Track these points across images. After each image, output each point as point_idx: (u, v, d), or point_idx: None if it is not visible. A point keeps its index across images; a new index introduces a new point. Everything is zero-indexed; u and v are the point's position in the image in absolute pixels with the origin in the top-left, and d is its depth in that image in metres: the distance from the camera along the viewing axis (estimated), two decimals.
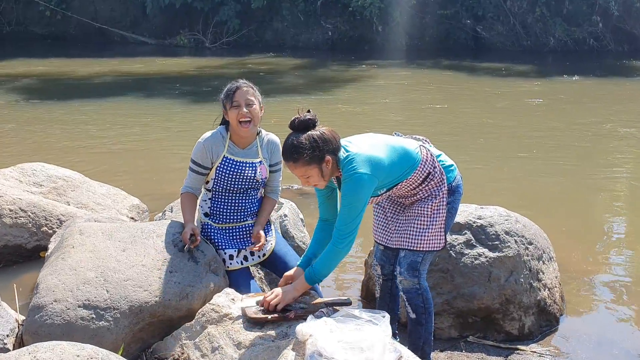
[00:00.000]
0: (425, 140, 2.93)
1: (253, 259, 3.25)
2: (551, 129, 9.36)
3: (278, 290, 2.68)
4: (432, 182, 2.81)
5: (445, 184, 2.83)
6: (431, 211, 2.83)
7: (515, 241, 3.48)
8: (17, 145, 8.08)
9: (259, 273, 3.46)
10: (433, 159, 2.83)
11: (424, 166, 2.80)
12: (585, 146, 8.35)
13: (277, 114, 10.55)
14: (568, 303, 3.85)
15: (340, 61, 17.78)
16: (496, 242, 3.45)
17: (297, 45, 21.22)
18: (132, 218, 5.14)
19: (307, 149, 2.58)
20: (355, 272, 4.30)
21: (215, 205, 3.25)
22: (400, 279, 2.90)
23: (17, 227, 4.31)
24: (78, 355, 1.95)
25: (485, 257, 3.41)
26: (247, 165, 3.18)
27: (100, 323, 2.70)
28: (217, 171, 3.16)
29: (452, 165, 2.92)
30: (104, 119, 9.95)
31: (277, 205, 3.82)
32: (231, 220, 3.25)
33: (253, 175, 3.19)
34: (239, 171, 3.16)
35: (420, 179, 2.80)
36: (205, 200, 3.29)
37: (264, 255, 3.27)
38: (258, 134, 3.26)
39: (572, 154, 7.93)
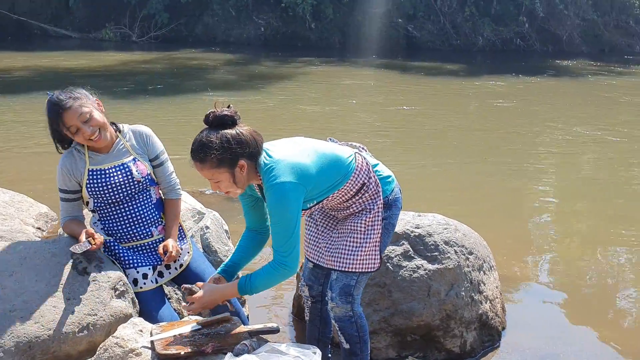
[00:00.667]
0: (362, 148, 2.63)
1: (170, 273, 2.87)
2: (484, 131, 9.35)
3: (204, 287, 2.40)
4: (367, 194, 2.51)
5: (381, 197, 2.51)
6: (365, 227, 2.51)
7: (455, 251, 3.25)
8: None
9: (176, 294, 3.08)
10: (369, 169, 2.53)
11: (358, 176, 2.49)
12: (519, 149, 8.34)
13: (202, 110, 10.16)
14: (509, 314, 3.67)
15: (273, 58, 17.43)
16: (435, 253, 3.21)
17: (229, 41, 20.72)
18: (39, 228, 4.63)
19: (217, 149, 2.25)
20: (285, 287, 3.97)
21: (108, 225, 2.81)
22: (332, 306, 2.56)
23: None
24: None
25: (425, 269, 3.16)
26: (118, 169, 2.75)
27: None
28: (88, 188, 2.73)
29: (389, 176, 2.61)
30: (16, 117, 9.23)
31: (197, 215, 3.46)
32: (135, 237, 2.82)
33: (129, 177, 2.76)
34: (112, 178, 2.73)
35: (354, 190, 2.49)
36: (95, 223, 2.86)
37: (181, 265, 2.89)
38: (118, 131, 2.83)
39: (507, 157, 7.90)
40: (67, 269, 2.60)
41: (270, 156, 2.35)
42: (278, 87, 12.77)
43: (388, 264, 3.17)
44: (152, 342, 2.33)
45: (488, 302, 3.38)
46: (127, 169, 2.78)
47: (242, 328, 2.45)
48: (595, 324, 3.78)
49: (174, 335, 2.36)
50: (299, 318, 3.55)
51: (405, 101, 11.48)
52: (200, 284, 2.47)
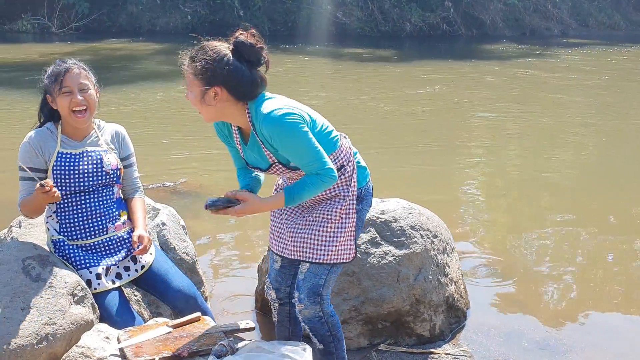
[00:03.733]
0: (344, 136, 2.51)
1: (129, 275, 2.69)
2: (427, 115, 9.46)
3: (247, 196, 2.24)
4: (342, 178, 2.38)
5: (355, 184, 2.40)
6: (339, 216, 2.37)
7: (421, 235, 3.23)
8: None
9: (135, 295, 2.90)
10: (350, 152, 2.42)
11: (339, 155, 2.37)
12: (459, 132, 8.49)
13: (137, 102, 9.81)
14: (471, 295, 3.68)
15: None
16: (402, 238, 3.17)
17: (155, 30, 20.10)
18: None
19: (207, 59, 2.14)
20: (248, 280, 3.84)
21: (64, 218, 2.63)
22: (300, 308, 2.41)
23: None
24: None
25: (393, 255, 3.12)
26: (89, 155, 2.63)
27: None
28: (54, 171, 2.57)
29: (366, 168, 2.51)
30: None
31: (152, 211, 3.27)
32: (90, 234, 2.64)
33: (99, 165, 2.63)
34: (81, 164, 2.60)
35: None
36: (50, 216, 2.66)
37: (143, 267, 2.72)
38: (96, 125, 2.76)
39: (449, 137, 8.02)
40: (19, 275, 2.39)
41: (263, 95, 2.25)
42: None
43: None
44: (121, 349, 2.17)
45: (453, 284, 3.38)
46: (98, 158, 2.65)
47: (216, 328, 2.33)
48: (550, 299, 3.88)
49: (144, 341, 2.21)
50: (262, 312, 3.44)
51: (340, 88, 11.46)
52: (242, 195, 2.26)
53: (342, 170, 2.38)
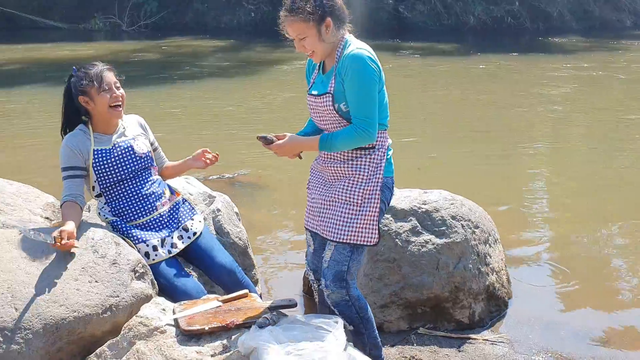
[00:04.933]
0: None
1: (183, 242, 2.95)
2: (487, 111, 9.42)
3: (287, 134, 2.49)
4: (370, 158, 2.49)
5: (382, 172, 2.50)
6: (360, 199, 2.48)
7: (462, 225, 3.34)
8: None
9: (193, 273, 3.15)
10: (386, 142, 2.55)
11: (382, 135, 2.52)
12: (521, 128, 8.42)
13: (203, 96, 10.21)
14: (514, 285, 3.76)
15: (265, 43, 17.38)
16: (443, 228, 3.29)
17: (219, 27, 20.66)
18: (47, 218, 4.68)
19: (311, 4, 2.40)
20: (296, 265, 4.05)
21: (115, 207, 2.92)
22: (327, 293, 2.55)
23: None
24: None
25: (433, 244, 3.25)
26: (120, 146, 2.93)
27: (8, 346, 2.34)
28: (94, 168, 2.87)
29: (392, 165, 2.62)
30: (13, 110, 9.23)
31: (208, 198, 3.52)
32: (140, 214, 2.92)
33: (132, 153, 2.92)
34: (115, 155, 2.90)
35: (367, 145, 2.50)
36: (102, 207, 2.96)
37: (195, 234, 2.99)
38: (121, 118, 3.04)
39: (508, 136, 7.98)
40: (88, 253, 2.67)
41: (355, 41, 2.48)
42: (272, 72, 12.79)
43: (397, 240, 3.26)
44: (175, 319, 2.41)
45: (494, 273, 3.47)
46: (129, 147, 2.93)
47: (261, 303, 2.54)
48: (596, 294, 3.89)
49: (196, 313, 2.44)
50: (309, 295, 3.63)
51: (401, 81, 11.52)
52: (279, 135, 2.50)
53: (371, 150, 2.50)
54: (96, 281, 2.58)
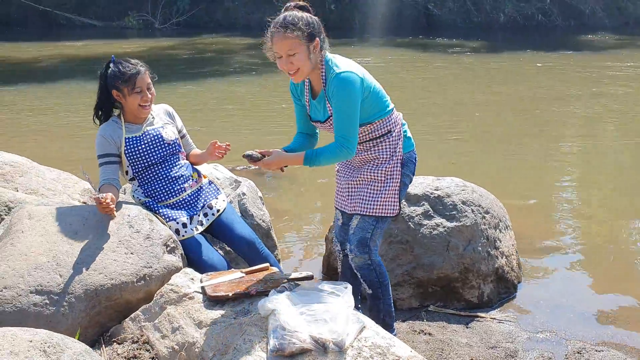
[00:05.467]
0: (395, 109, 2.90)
1: (208, 219, 3.22)
2: (520, 106, 9.51)
3: (272, 151, 2.66)
4: (387, 142, 2.77)
5: (401, 150, 2.79)
6: (384, 176, 2.78)
7: (472, 210, 3.52)
8: None
9: (220, 252, 3.40)
10: (399, 122, 2.82)
11: (389, 120, 2.77)
12: (537, 120, 8.51)
13: (233, 93, 10.49)
14: (524, 270, 3.93)
15: None
16: (453, 212, 3.48)
17: (250, 25, 20.94)
18: (85, 203, 4.99)
19: (303, 22, 2.56)
20: (316, 248, 4.28)
21: (147, 189, 3.20)
22: (352, 257, 2.84)
23: None
24: (31, 341, 1.87)
25: (444, 227, 3.44)
26: (149, 134, 3.18)
27: (54, 308, 2.61)
28: (127, 154, 3.14)
29: (410, 139, 2.89)
30: (51, 103, 9.65)
31: (234, 183, 3.76)
32: (170, 195, 3.19)
33: (160, 140, 3.18)
34: (145, 142, 3.15)
35: (380, 132, 2.77)
36: (136, 190, 3.24)
37: (218, 211, 3.25)
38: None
39: (524, 128, 8.08)
40: (124, 227, 2.93)
41: (334, 57, 2.69)
42: None
43: (409, 223, 3.46)
44: (202, 287, 2.65)
45: (504, 257, 3.65)
46: (157, 134, 3.19)
47: (280, 275, 2.77)
48: (605, 282, 4.01)
49: (221, 282, 2.68)
50: (328, 276, 3.85)
51: (428, 78, 11.65)
52: (264, 151, 2.68)
53: (387, 135, 2.78)
54: (132, 253, 2.85)
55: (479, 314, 3.41)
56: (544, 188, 5.92)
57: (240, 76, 12.29)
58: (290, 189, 5.68)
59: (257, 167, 2.70)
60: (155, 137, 3.19)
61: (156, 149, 3.17)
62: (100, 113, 3.23)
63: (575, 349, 3.09)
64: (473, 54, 15.16)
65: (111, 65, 3.13)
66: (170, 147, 3.21)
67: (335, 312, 2.25)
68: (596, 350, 3.07)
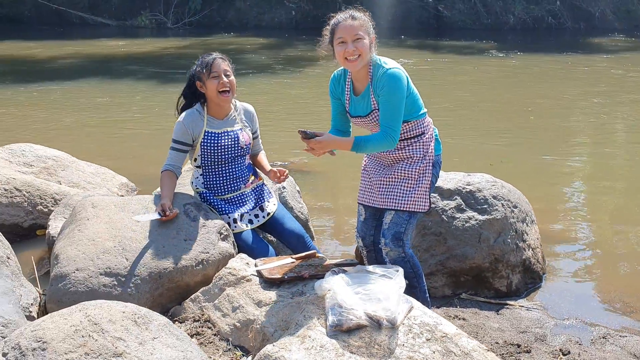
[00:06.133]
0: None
1: (258, 220, 3.43)
2: (529, 105, 9.69)
3: (324, 133, 2.85)
4: (420, 142, 3.00)
5: (432, 150, 3.01)
6: (417, 174, 3.00)
7: (502, 205, 3.72)
8: None
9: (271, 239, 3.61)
10: (431, 125, 3.04)
11: (422, 123, 3.00)
12: (557, 121, 8.70)
13: (251, 93, 10.69)
14: (548, 263, 4.13)
15: (306, 41, 17.82)
16: (485, 206, 3.68)
17: (261, 25, 21.19)
18: (122, 196, 5.21)
19: (368, 17, 2.90)
20: (349, 241, 4.49)
21: (208, 179, 3.40)
22: (387, 251, 3.02)
23: (13, 207, 4.36)
24: (123, 312, 2.08)
25: (475, 220, 3.64)
26: (229, 134, 3.35)
27: (122, 289, 2.83)
28: (202, 146, 3.32)
29: (440, 142, 3.12)
30: (73, 101, 9.89)
31: None
32: (227, 191, 3.40)
33: (236, 142, 3.36)
34: (222, 141, 3.33)
35: (413, 133, 2.99)
36: (197, 178, 3.44)
37: (269, 214, 3.44)
38: (233, 105, 3.45)
39: (548, 128, 8.27)
40: (182, 216, 3.15)
41: (381, 58, 2.93)
42: (315, 69, 13.21)
43: (443, 216, 3.66)
44: (258, 271, 2.86)
45: (530, 249, 3.85)
46: (235, 136, 3.37)
47: (328, 261, 2.97)
48: (627, 274, 4.20)
49: (275, 266, 2.89)
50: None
51: (440, 78, 11.84)
52: (317, 132, 2.85)
53: (421, 136, 3.01)
54: (190, 239, 3.06)
55: (508, 302, 3.61)
56: (561, 183, 6.12)
57: (257, 75, 12.48)
58: (325, 186, 5.93)
59: (308, 147, 2.83)
60: (233, 139, 3.36)
61: (230, 149, 3.35)
62: (180, 101, 3.40)
63: (600, 334, 3.29)
64: (479, 55, 15.32)
65: (197, 62, 3.34)
66: (243, 150, 3.40)
67: (388, 293, 2.46)
68: (620, 336, 3.26)
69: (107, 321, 1.99)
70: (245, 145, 3.41)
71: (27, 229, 4.39)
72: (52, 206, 4.50)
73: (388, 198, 3.03)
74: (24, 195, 4.43)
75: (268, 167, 3.50)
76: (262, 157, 3.61)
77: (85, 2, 21.76)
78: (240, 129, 3.42)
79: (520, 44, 17.88)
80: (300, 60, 14.48)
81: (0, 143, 5.67)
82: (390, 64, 2.89)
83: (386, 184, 3.06)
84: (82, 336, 1.91)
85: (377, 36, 2.99)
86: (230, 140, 3.35)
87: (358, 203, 3.28)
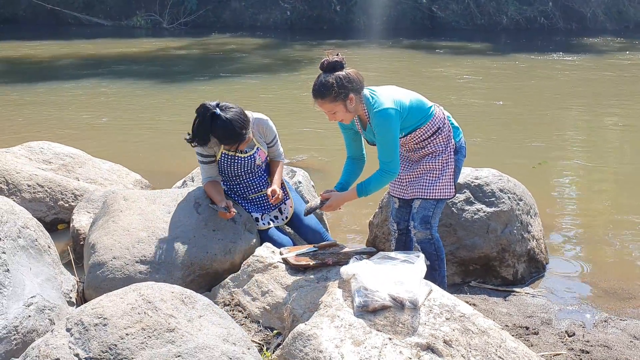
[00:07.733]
0: (437, 106, 3.31)
1: (277, 222, 3.60)
2: (524, 108, 9.92)
3: (329, 195, 3.10)
4: (440, 137, 3.21)
5: (452, 141, 3.23)
6: (440, 165, 3.23)
7: (509, 197, 3.92)
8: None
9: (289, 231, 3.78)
10: (444, 117, 3.25)
11: (435, 120, 3.20)
12: (555, 127, 8.93)
13: (251, 93, 10.87)
14: (551, 253, 4.33)
15: (301, 41, 18.01)
16: (492, 199, 3.88)
17: (256, 25, 21.31)
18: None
19: (334, 88, 2.93)
20: (361, 233, 4.67)
21: (229, 186, 3.58)
22: (415, 232, 3.29)
23: (36, 202, 4.52)
24: (172, 292, 2.26)
25: (484, 212, 3.84)
26: (245, 159, 3.46)
27: (157, 276, 3.00)
28: (220, 164, 3.46)
29: (458, 127, 3.33)
30: (76, 101, 10.01)
31: (291, 172, 4.16)
32: (249, 193, 3.58)
33: (252, 165, 3.50)
34: (238, 164, 3.46)
35: (430, 132, 3.19)
36: (221, 182, 3.58)
37: (286, 217, 3.61)
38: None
39: (543, 125, 8.50)
40: (209, 209, 3.32)
41: (374, 91, 3.07)
42: (313, 69, 13.38)
43: (453, 209, 3.86)
44: (284, 258, 3.05)
45: (535, 240, 4.05)
46: (252, 159, 3.49)
47: (349, 249, 3.16)
48: (623, 262, 4.42)
49: (299, 254, 3.07)
50: None
51: (436, 79, 12.06)
52: (326, 195, 3.14)
53: (439, 131, 3.22)
54: (219, 230, 3.24)
55: (514, 289, 3.81)
56: (561, 177, 6.34)
57: (255, 75, 12.63)
58: (337, 181, 6.06)
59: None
60: (249, 161, 3.47)
61: (246, 168, 3.49)
62: (193, 140, 3.32)
63: (602, 318, 3.49)
64: (474, 56, 15.56)
65: (214, 113, 3.22)
66: (260, 167, 3.55)
67: (410, 276, 2.65)
68: (620, 320, 3.47)
69: (159, 300, 2.17)
70: (261, 162, 3.54)
71: (49, 223, 4.55)
72: (72, 201, 4.67)
73: (416, 189, 3.27)
74: (46, 191, 4.60)
75: (276, 182, 3.51)
76: (277, 167, 3.61)
77: (80, 2, 21.81)
78: (257, 149, 3.50)
79: (513, 44, 18.13)
80: (295, 60, 14.66)
81: (10, 142, 5.84)
82: (379, 99, 3.02)
83: (414, 177, 3.30)
84: (139, 313, 2.09)
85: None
86: (246, 162, 3.46)
87: (390, 195, 3.54)
